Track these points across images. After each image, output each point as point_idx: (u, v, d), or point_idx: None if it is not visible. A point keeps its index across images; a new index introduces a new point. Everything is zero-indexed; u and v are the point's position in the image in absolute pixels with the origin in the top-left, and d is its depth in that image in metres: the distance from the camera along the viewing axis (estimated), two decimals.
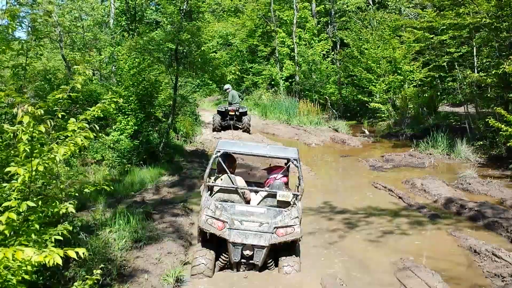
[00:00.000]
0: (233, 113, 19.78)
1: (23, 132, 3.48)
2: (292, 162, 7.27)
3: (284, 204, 6.89)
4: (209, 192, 7.15)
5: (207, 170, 7.15)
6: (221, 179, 7.32)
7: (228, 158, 7.60)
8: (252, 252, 6.60)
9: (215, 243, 6.76)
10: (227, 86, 21.28)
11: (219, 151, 7.22)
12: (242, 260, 6.70)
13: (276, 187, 7.35)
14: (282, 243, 6.63)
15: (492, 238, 8.12)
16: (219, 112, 20.14)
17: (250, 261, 6.70)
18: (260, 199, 7.24)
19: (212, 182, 7.32)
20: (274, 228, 6.54)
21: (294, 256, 6.83)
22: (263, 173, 8.74)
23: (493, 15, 14.55)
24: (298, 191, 7.11)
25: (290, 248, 6.84)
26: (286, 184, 7.86)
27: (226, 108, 19.91)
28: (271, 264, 6.91)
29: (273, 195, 6.98)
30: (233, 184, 7.15)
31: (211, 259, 6.63)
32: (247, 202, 7.28)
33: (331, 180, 13.48)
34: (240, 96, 21.26)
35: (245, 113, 20.07)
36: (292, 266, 6.70)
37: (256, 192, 7.48)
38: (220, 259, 6.85)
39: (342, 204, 10.39)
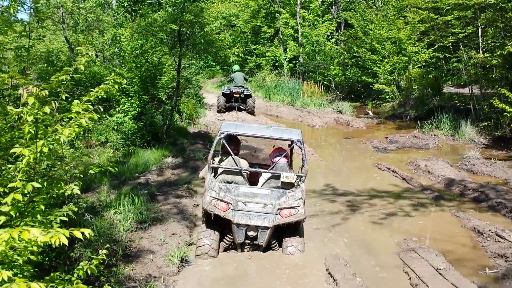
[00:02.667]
0: (238, 95, 19.91)
1: (28, 113, 3.48)
2: (296, 144, 7.31)
3: (287, 186, 6.93)
4: (213, 173, 7.15)
5: (211, 152, 7.20)
6: (225, 161, 7.41)
7: (233, 140, 7.72)
8: (256, 233, 6.68)
9: (219, 224, 6.83)
10: (236, 67, 21.37)
11: (222, 133, 7.27)
12: (246, 241, 6.78)
13: (280, 168, 7.33)
14: (286, 224, 6.69)
15: (496, 219, 8.12)
16: (224, 94, 20.21)
17: (254, 242, 6.77)
18: (264, 181, 7.26)
19: (216, 164, 7.36)
20: (278, 209, 6.60)
21: (298, 237, 6.90)
22: (266, 155, 8.72)
23: None
24: (301, 173, 7.11)
25: (294, 229, 6.88)
26: (290, 165, 7.91)
27: (231, 90, 19.97)
28: (275, 244, 6.99)
29: (277, 177, 7.00)
30: (237, 166, 7.20)
31: (215, 239, 6.70)
32: (255, 184, 7.34)
33: (334, 162, 13.47)
34: (245, 78, 21.28)
35: (249, 96, 20.18)
36: (296, 246, 6.77)
37: (260, 173, 7.49)
38: (224, 240, 6.93)
39: (345, 185, 10.41)
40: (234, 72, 21.05)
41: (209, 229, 6.79)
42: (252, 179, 7.51)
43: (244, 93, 20.04)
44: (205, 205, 6.72)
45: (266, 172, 7.34)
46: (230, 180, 7.10)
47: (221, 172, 7.17)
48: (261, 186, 7.23)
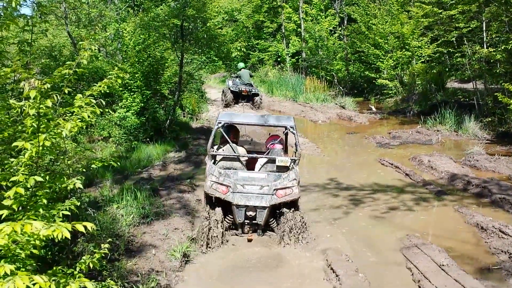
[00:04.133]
0: (246, 94, 20.59)
1: (30, 107, 3.47)
2: (289, 130, 7.89)
3: (283, 169, 7.44)
4: (212, 160, 7.59)
5: (210, 140, 7.63)
6: (223, 149, 7.91)
7: (232, 130, 8.23)
8: (255, 213, 7.15)
9: (221, 207, 7.25)
10: (241, 64, 21.94)
11: (220, 123, 7.79)
12: (246, 221, 7.25)
13: (275, 153, 7.82)
14: (282, 204, 7.18)
15: (499, 215, 8.10)
16: (232, 92, 20.70)
17: (253, 222, 7.24)
18: (260, 166, 7.75)
19: (215, 151, 7.83)
20: (274, 190, 7.09)
21: (295, 213, 7.22)
22: (262, 144, 8.95)
23: None
24: (295, 156, 7.56)
25: (290, 208, 7.25)
26: (285, 150, 8.60)
27: (240, 88, 20.52)
28: (272, 223, 7.44)
29: (273, 161, 7.52)
30: (235, 153, 7.71)
31: (219, 220, 7.04)
32: (252, 169, 7.84)
33: (337, 157, 13.45)
34: (251, 75, 21.93)
35: (257, 94, 20.89)
36: (295, 224, 7.07)
37: (257, 159, 7.98)
38: (225, 220, 7.28)
39: (348, 180, 10.39)
40: (240, 69, 21.44)
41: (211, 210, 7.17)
42: (250, 165, 7.95)
43: (252, 92, 20.69)
44: (206, 189, 7.22)
45: (262, 157, 7.85)
46: (229, 166, 7.54)
47: (220, 159, 7.64)
48: (258, 171, 7.67)
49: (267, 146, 8.25)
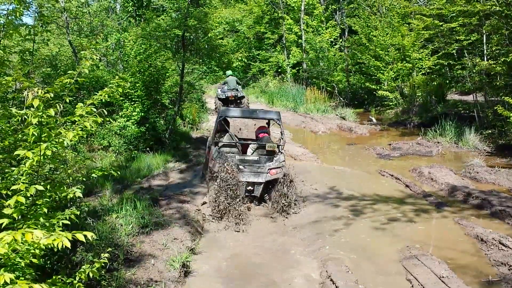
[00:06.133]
0: (233, 98, 21.41)
1: (33, 116, 3.48)
2: (276, 121, 10.00)
3: (271, 153, 9.46)
4: (216, 146, 9.55)
5: (213, 130, 10.17)
6: (224, 138, 9.89)
7: (225, 122, 10.48)
8: (253, 188, 9.21)
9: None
10: (229, 72, 22.70)
11: (221, 116, 9.96)
12: (246, 194, 9.15)
13: (265, 140, 9.97)
14: (274, 180, 9.15)
15: (499, 227, 8.08)
16: (220, 99, 21.47)
17: (252, 194, 9.29)
18: (252, 151, 9.84)
19: (218, 138, 9.87)
20: (268, 169, 9.11)
21: (288, 187, 9.13)
22: (249, 133, 12.31)
23: (504, 2, 14.38)
24: (281, 143, 9.68)
25: (284, 182, 9.09)
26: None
27: (226, 94, 21.38)
28: (266, 196, 9.48)
29: (263, 147, 9.62)
30: (233, 140, 9.87)
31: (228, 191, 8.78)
32: (245, 153, 9.90)
33: (337, 168, 13.42)
34: (238, 82, 22.78)
35: (243, 97, 21.83)
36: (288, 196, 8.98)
37: (248, 145, 10.09)
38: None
39: (348, 191, 10.37)
40: (228, 76, 22.18)
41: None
42: (243, 150, 10.05)
43: (238, 95, 21.58)
44: (215, 169, 8.96)
45: (255, 143, 10.02)
46: (228, 151, 9.52)
47: (221, 145, 9.66)
48: (250, 155, 9.74)
49: (257, 135, 10.50)
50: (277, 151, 9.48)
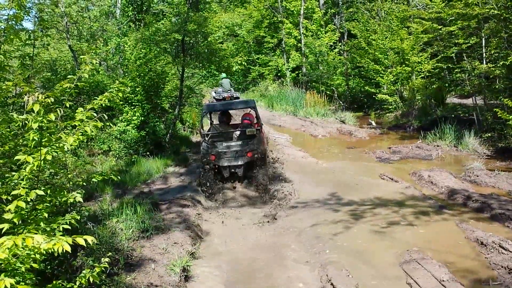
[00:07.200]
0: (229, 99, 21.85)
1: (33, 121, 3.49)
2: (252, 108, 11.97)
3: (252, 136, 11.26)
4: (204, 138, 11.28)
5: (200, 124, 12.08)
6: (213, 127, 12.69)
7: (225, 115, 13.49)
8: (235, 170, 11.05)
9: (213, 168, 11.07)
10: (223, 74, 23.16)
11: (205, 112, 12.34)
12: (230, 175, 11.16)
13: (246, 126, 11.96)
14: (253, 160, 11.03)
15: (499, 230, 8.06)
16: (218, 101, 21.84)
17: (236, 175, 11.17)
18: (236, 136, 11.81)
19: (206, 131, 11.82)
20: (245, 152, 10.94)
21: (263, 168, 11.23)
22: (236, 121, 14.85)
23: (503, 5, 14.40)
24: (258, 127, 11.49)
25: (261, 163, 11.17)
26: (257, 121, 11.85)
27: (222, 96, 21.59)
28: (249, 175, 11.25)
29: (244, 132, 11.54)
30: (217, 131, 12.22)
31: (212, 175, 11.02)
32: (231, 138, 11.85)
33: (337, 172, 13.41)
34: (231, 84, 23.23)
35: (238, 98, 22.32)
36: (263, 175, 11.03)
37: (233, 132, 12.11)
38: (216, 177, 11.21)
39: (348, 195, 10.36)
40: (222, 79, 22.54)
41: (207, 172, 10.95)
42: (230, 135, 12.02)
43: (234, 96, 22.00)
44: (203, 154, 11.00)
45: (237, 130, 12.16)
46: (216, 140, 11.47)
47: (209, 136, 11.64)
48: (236, 140, 11.60)
49: (242, 121, 12.50)
50: (257, 135, 11.29)
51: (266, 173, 11.14)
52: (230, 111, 14.48)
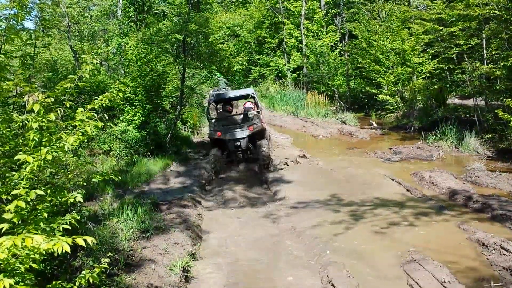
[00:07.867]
0: None
1: (33, 121, 3.48)
2: (252, 96, 14.04)
3: (252, 118, 13.58)
4: (211, 122, 13.58)
5: (207, 110, 14.53)
6: (217, 114, 14.95)
7: (229, 104, 15.37)
8: (239, 142, 12.92)
9: (220, 144, 13.24)
10: (218, 74, 23.63)
11: (210, 100, 14.32)
12: (234, 148, 13.09)
13: (247, 109, 14.45)
14: (254, 133, 13.03)
15: (501, 231, 8.04)
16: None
17: (239, 148, 13.06)
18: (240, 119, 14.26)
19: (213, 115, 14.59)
20: (247, 126, 13.02)
21: (265, 140, 13.47)
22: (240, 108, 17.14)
23: (503, 7, 14.39)
24: (258, 110, 13.84)
25: (261, 137, 13.37)
26: (256, 107, 14.16)
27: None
28: (251, 149, 13.23)
29: (246, 115, 13.96)
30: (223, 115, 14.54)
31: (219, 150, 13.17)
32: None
33: (337, 172, 13.40)
34: (226, 82, 23.71)
35: None
36: (265, 147, 12.96)
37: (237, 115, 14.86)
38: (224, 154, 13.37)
39: (348, 196, 10.35)
40: (217, 78, 23.20)
41: (216, 147, 13.15)
42: (233, 121, 14.08)
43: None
44: (210, 135, 13.35)
45: (240, 114, 14.54)
46: (221, 123, 13.56)
47: (215, 119, 13.82)
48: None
49: (244, 107, 14.95)
50: (256, 117, 13.48)
51: (267, 143, 13.18)
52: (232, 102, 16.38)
